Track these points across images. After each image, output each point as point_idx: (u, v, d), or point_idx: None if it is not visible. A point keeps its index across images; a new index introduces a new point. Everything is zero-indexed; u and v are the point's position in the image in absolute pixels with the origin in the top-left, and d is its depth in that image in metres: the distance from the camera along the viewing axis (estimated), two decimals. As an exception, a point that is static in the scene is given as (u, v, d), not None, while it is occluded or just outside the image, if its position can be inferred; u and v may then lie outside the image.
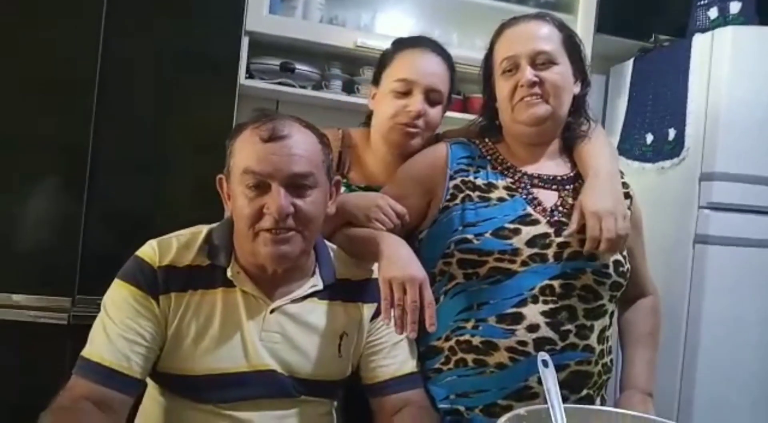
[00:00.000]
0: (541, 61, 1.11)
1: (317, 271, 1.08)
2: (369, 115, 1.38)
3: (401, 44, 1.30)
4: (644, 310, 1.24)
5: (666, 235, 2.07)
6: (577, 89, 1.18)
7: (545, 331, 1.05)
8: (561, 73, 1.12)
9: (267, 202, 0.96)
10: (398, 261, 1.02)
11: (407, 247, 1.07)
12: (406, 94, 1.24)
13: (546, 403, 0.80)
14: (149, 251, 1.02)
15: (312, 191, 1.00)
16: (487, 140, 1.22)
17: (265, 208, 0.96)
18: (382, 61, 1.31)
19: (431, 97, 1.24)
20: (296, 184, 0.98)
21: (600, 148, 1.18)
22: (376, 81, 1.32)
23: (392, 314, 1.00)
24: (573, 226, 1.07)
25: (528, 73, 1.10)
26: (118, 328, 0.97)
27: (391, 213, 1.15)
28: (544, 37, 1.13)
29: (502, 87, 1.15)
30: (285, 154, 0.97)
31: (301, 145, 0.99)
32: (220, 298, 1.03)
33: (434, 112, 1.26)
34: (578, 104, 1.19)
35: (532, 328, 1.05)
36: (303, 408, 1.06)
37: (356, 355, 1.10)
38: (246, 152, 0.98)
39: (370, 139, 1.35)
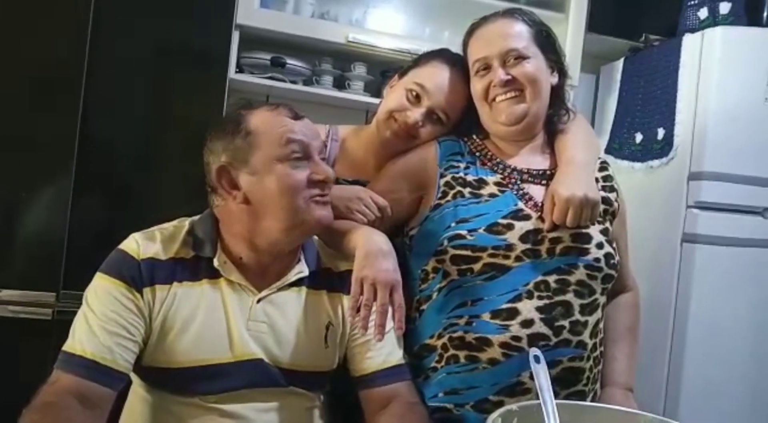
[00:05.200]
0: (512, 58, 1.13)
1: (302, 258, 1.08)
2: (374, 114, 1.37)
3: (444, 56, 1.26)
4: (624, 306, 1.25)
5: (654, 234, 2.08)
6: (554, 80, 1.19)
7: (539, 327, 1.05)
8: (534, 66, 1.13)
9: (314, 170, 1.01)
10: (373, 259, 1.01)
11: (387, 243, 1.05)
12: (416, 99, 1.22)
13: (538, 398, 0.79)
14: (132, 244, 1.01)
15: None
16: (474, 137, 1.22)
17: (315, 175, 1.01)
18: (418, 60, 1.29)
19: (436, 114, 1.23)
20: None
21: (576, 137, 1.19)
22: (403, 73, 1.30)
23: (359, 314, 0.99)
24: (548, 218, 1.09)
25: (500, 74, 1.12)
26: (100, 320, 0.96)
27: (372, 205, 1.14)
28: (514, 34, 1.14)
29: (476, 86, 1.17)
30: (313, 130, 1.05)
31: (315, 126, 1.08)
32: (205, 289, 1.02)
33: (428, 130, 1.23)
34: (557, 95, 1.20)
35: (527, 323, 1.05)
36: (290, 400, 1.05)
37: (342, 346, 1.10)
38: (281, 126, 1.01)
39: (365, 130, 1.35)
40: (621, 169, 2.24)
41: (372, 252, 1.03)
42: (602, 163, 1.24)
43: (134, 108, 1.72)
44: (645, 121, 2.21)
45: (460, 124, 1.24)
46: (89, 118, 1.66)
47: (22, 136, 1.62)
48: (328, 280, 1.10)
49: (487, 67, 1.15)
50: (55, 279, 1.64)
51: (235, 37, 1.89)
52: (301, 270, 1.07)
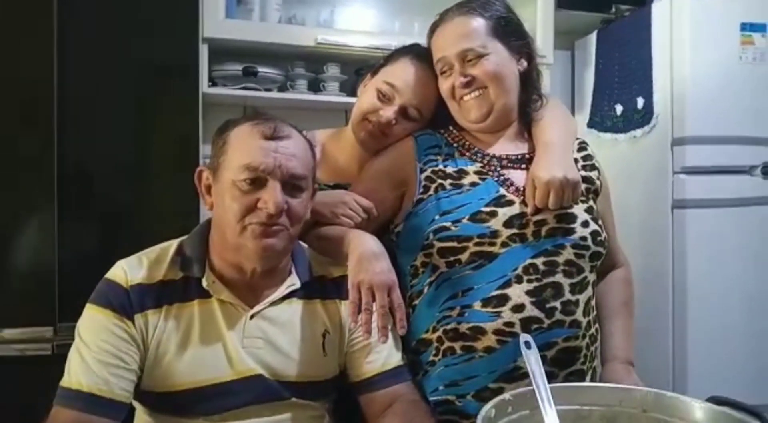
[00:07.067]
0: (470, 58, 1.13)
1: (293, 270, 1.08)
2: None
3: (413, 52, 1.25)
4: (617, 282, 1.25)
5: (644, 203, 2.09)
6: (522, 67, 1.18)
7: (531, 311, 1.05)
8: (493, 62, 1.13)
9: (263, 197, 0.96)
10: (367, 263, 1.02)
11: (378, 245, 1.06)
12: (387, 98, 1.22)
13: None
14: (119, 272, 1.01)
15: (302, 193, 1.01)
16: (451, 128, 1.22)
17: (260, 203, 0.96)
18: (389, 57, 1.28)
19: (409, 112, 1.22)
20: (291, 184, 0.99)
21: (551, 121, 1.19)
22: (375, 72, 1.29)
23: (360, 318, 1.00)
24: (530, 202, 1.09)
25: (460, 77, 1.13)
26: (94, 352, 0.95)
27: (357, 208, 1.14)
28: (469, 33, 1.14)
29: (443, 86, 1.18)
30: (286, 154, 0.99)
31: (299, 148, 1.02)
32: (197, 309, 1.01)
33: (403, 127, 1.23)
34: (528, 81, 1.20)
35: (518, 308, 1.05)
36: (294, 412, 1.04)
37: (341, 353, 1.09)
38: (246, 147, 0.98)
39: (344, 133, 1.34)
40: (605, 141, 2.25)
41: (365, 255, 1.03)
42: (581, 143, 1.24)
43: (110, 130, 1.71)
44: (624, 92, 2.21)
45: (436, 117, 1.24)
46: (66, 145, 1.65)
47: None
48: (322, 288, 1.10)
49: (448, 68, 1.15)
50: (51, 313, 1.63)
51: (204, 50, 1.88)
52: (293, 283, 1.06)
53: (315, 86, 2.15)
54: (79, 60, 1.67)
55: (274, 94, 2.06)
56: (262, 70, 2.02)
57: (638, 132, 2.13)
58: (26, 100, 1.63)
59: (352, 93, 2.10)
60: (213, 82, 1.99)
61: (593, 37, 2.38)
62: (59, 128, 1.65)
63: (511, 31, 1.17)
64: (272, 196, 0.96)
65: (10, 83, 1.61)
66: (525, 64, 1.18)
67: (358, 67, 2.12)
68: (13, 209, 1.63)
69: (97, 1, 1.70)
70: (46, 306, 1.63)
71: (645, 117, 2.10)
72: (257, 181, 0.97)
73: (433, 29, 1.19)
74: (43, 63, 1.63)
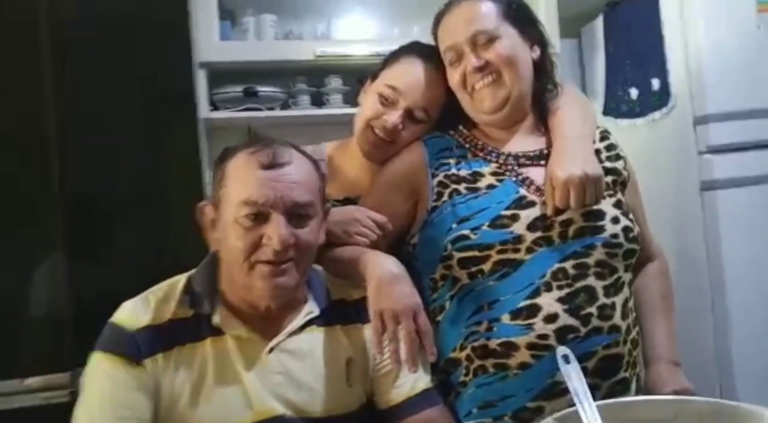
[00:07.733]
0: (482, 41, 1.07)
1: (310, 297, 1.02)
2: None
3: (413, 50, 1.20)
4: (653, 276, 1.17)
5: (672, 187, 2.00)
6: (535, 55, 1.12)
7: (565, 319, 0.97)
8: (507, 45, 1.07)
9: (267, 233, 0.91)
10: (388, 287, 0.95)
11: (397, 265, 1.00)
12: (391, 102, 1.16)
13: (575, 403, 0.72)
14: (124, 315, 0.96)
15: (311, 221, 0.96)
16: (461, 128, 1.15)
17: (265, 239, 0.91)
18: (388, 59, 1.23)
19: (415, 114, 1.17)
20: (296, 214, 0.94)
21: (568, 111, 1.12)
22: (375, 76, 1.24)
23: (385, 347, 0.94)
24: (549, 203, 1.02)
25: (472, 60, 1.06)
26: (102, 404, 0.90)
27: (371, 224, 1.08)
28: (480, 16, 1.08)
29: (453, 77, 1.11)
30: (287, 182, 0.93)
31: (302, 173, 0.96)
32: (210, 348, 0.96)
33: (410, 132, 1.17)
34: (542, 70, 1.13)
35: (550, 318, 0.97)
36: None
37: (367, 380, 1.03)
38: (244, 180, 0.93)
39: (351, 143, 1.29)
40: (623, 128, 2.17)
41: (384, 279, 0.97)
42: (603, 132, 1.17)
43: (114, 165, 1.67)
44: (637, 74, 2.13)
45: (444, 117, 1.18)
46: (68, 183, 1.62)
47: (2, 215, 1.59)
48: (342, 312, 1.04)
49: (459, 56, 1.09)
50: (67, 358, 1.58)
51: (202, 75, 1.84)
52: (311, 310, 1.01)
53: (318, 100, 2.10)
54: (79, 98, 1.64)
55: (277, 113, 2.02)
56: (263, 89, 1.97)
57: (657, 114, 2.04)
58: (26, 136, 1.61)
59: (356, 104, 2.04)
60: (215, 106, 1.96)
61: (599, 22, 2.30)
62: (61, 166, 1.62)
63: (522, 17, 1.10)
64: (276, 231, 0.91)
65: (8, 122, 1.59)
66: (538, 51, 1.12)
67: (360, 77, 2.07)
68: (23, 253, 1.60)
69: (91, 34, 1.67)
70: (60, 352, 1.59)
71: (662, 98, 2.01)
72: (260, 216, 0.92)
73: (438, 19, 1.13)
74: (39, 97, 1.61)
